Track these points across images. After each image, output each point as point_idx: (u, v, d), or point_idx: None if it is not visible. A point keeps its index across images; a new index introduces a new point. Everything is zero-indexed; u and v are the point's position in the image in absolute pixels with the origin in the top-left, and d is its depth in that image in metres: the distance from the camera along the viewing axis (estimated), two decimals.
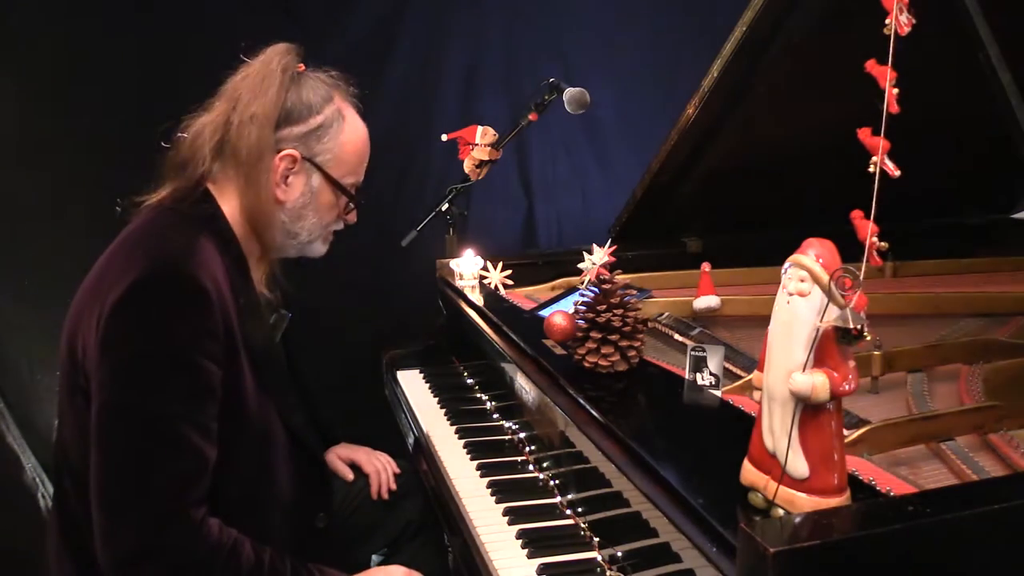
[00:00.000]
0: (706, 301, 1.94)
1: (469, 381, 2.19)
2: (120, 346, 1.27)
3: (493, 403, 2.01)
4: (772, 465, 0.96)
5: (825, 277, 0.91)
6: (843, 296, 0.90)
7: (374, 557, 1.90)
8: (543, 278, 2.27)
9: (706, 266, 1.99)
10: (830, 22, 1.85)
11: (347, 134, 1.49)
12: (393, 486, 1.87)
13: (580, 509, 1.48)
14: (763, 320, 0.99)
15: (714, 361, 1.39)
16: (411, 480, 1.89)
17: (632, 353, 1.49)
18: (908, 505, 0.89)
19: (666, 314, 1.94)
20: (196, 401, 1.29)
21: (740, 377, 1.50)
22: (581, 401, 1.39)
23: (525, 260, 2.33)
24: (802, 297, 0.93)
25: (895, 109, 0.92)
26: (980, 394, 1.42)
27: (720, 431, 1.30)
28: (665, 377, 1.53)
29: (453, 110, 2.97)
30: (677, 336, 1.81)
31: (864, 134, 0.94)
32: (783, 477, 0.94)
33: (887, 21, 0.94)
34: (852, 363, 0.93)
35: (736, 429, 1.10)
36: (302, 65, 1.49)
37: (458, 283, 2.20)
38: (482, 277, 2.17)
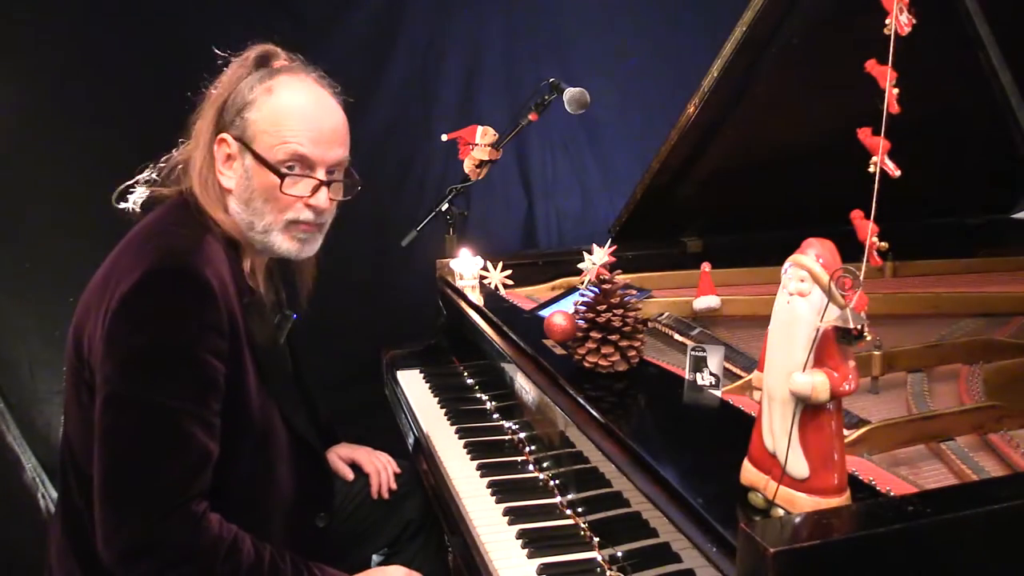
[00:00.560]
0: (706, 301, 1.94)
1: (469, 381, 2.19)
2: (125, 339, 1.28)
3: (493, 403, 2.01)
4: (772, 465, 0.96)
5: (825, 277, 0.91)
6: (843, 296, 0.90)
7: (374, 557, 1.90)
8: (543, 278, 2.27)
9: (706, 266, 1.99)
10: (830, 22, 1.85)
11: (270, 105, 1.41)
12: (394, 486, 1.87)
13: (580, 509, 1.48)
14: (763, 320, 0.99)
15: (714, 361, 1.39)
16: (411, 480, 1.89)
17: (632, 353, 1.49)
18: (908, 505, 0.89)
19: (666, 314, 1.94)
20: (200, 396, 1.29)
21: (740, 377, 1.50)
22: (581, 401, 1.39)
23: (525, 260, 2.33)
24: (802, 297, 0.93)
25: (895, 109, 0.93)
26: (980, 394, 1.42)
27: (720, 431, 1.30)
28: (665, 377, 1.53)
29: (453, 110, 2.97)
30: (677, 336, 1.81)
31: (864, 134, 0.94)
32: (783, 477, 0.94)
33: (887, 21, 0.94)
34: (852, 363, 0.93)
35: (736, 429, 1.10)
36: (277, 62, 1.48)
37: (458, 283, 2.20)
38: (482, 277, 2.17)
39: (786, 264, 0.95)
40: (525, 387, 1.74)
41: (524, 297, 2.14)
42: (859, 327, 0.89)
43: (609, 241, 1.69)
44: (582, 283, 1.65)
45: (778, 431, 0.95)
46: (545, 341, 1.64)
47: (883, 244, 0.92)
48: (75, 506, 1.39)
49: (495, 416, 1.97)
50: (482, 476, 1.69)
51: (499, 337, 1.83)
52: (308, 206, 1.44)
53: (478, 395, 2.10)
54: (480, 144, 2.29)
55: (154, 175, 1.50)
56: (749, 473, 1.00)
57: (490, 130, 2.30)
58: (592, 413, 1.35)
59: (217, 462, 1.31)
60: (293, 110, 1.42)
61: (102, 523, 1.26)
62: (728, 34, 1.90)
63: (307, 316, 1.71)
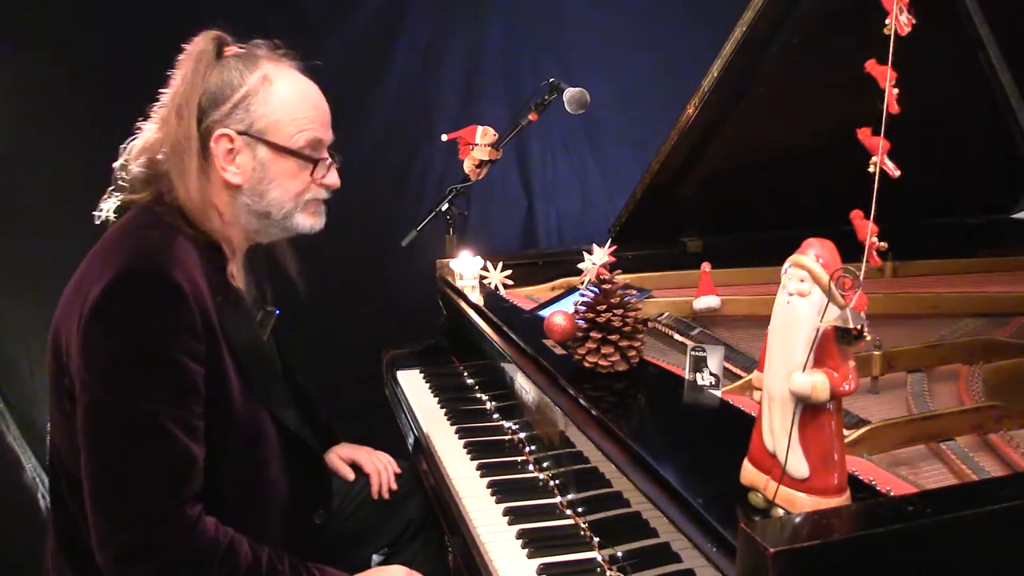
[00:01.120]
0: (706, 301, 1.94)
1: (469, 381, 2.19)
2: (99, 345, 1.27)
3: (493, 403, 2.01)
4: (772, 465, 0.96)
5: (825, 277, 0.91)
6: (843, 296, 0.90)
7: (374, 557, 1.90)
8: (543, 278, 2.27)
9: (706, 266, 1.99)
10: (830, 22, 1.85)
11: (277, 95, 1.42)
12: (394, 486, 1.86)
13: (580, 509, 1.48)
14: (763, 320, 0.99)
15: (714, 361, 1.39)
16: (411, 480, 1.89)
17: (632, 353, 1.49)
18: (908, 505, 0.89)
19: (666, 314, 1.94)
20: (178, 398, 1.28)
21: (740, 377, 1.50)
22: (581, 401, 1.39)
23: (525, 260, 2.33)
24: (802, 297, 0.93)
25: (895, 109, 0.93)
26: (980, 394, 1.42)
27: (720, 431, 1.30)
28: (665, 377, 1.53)
29: (453, 110, 2.97)
30: (677, 336, 1.81)
31: (864, 134, 0.94)
32: (783, 477, 0.94)
33: (887, 21, 0.94)
34: (852, 363, 0.93)
35: (736, 429, 1.10)
36: (230, 48, 1.46)
37: (458, 283, 2.20)
38: (482, 277, 2.17)
39: (786, 264, 0.95)
40: (525, 387, 1.74)
41: (524, 297, 2.14)
42: (859, 327, 0.89)
43: (609, 241, 1.69)
44: (582, 283, 1.65)
45: (778, 431, 0.95)
46: (545, 341, 1.64)
47: (883, 244, 0.92)
48: (68, 510, 1.39)
49: (495, 416, 1.97)
50: (482, 476, 1.69)
51: (499, 337, 1.83)
52: (322, 185, 1.49)
53: (478, 395, 2.10)
54: (480, 144, 2.29)
55: (122, 183, 1.47)
56: (749, 473, 1.00)
57: (490, 130, 2.30)
58: (592, 413, 1.35)
59: (206, 464, 1.31)
60: (300, 97, 1.46)
61: (96, 529, 1.26)
62: (728, 34, 1.90)
63: (306, 315, 1.70)
